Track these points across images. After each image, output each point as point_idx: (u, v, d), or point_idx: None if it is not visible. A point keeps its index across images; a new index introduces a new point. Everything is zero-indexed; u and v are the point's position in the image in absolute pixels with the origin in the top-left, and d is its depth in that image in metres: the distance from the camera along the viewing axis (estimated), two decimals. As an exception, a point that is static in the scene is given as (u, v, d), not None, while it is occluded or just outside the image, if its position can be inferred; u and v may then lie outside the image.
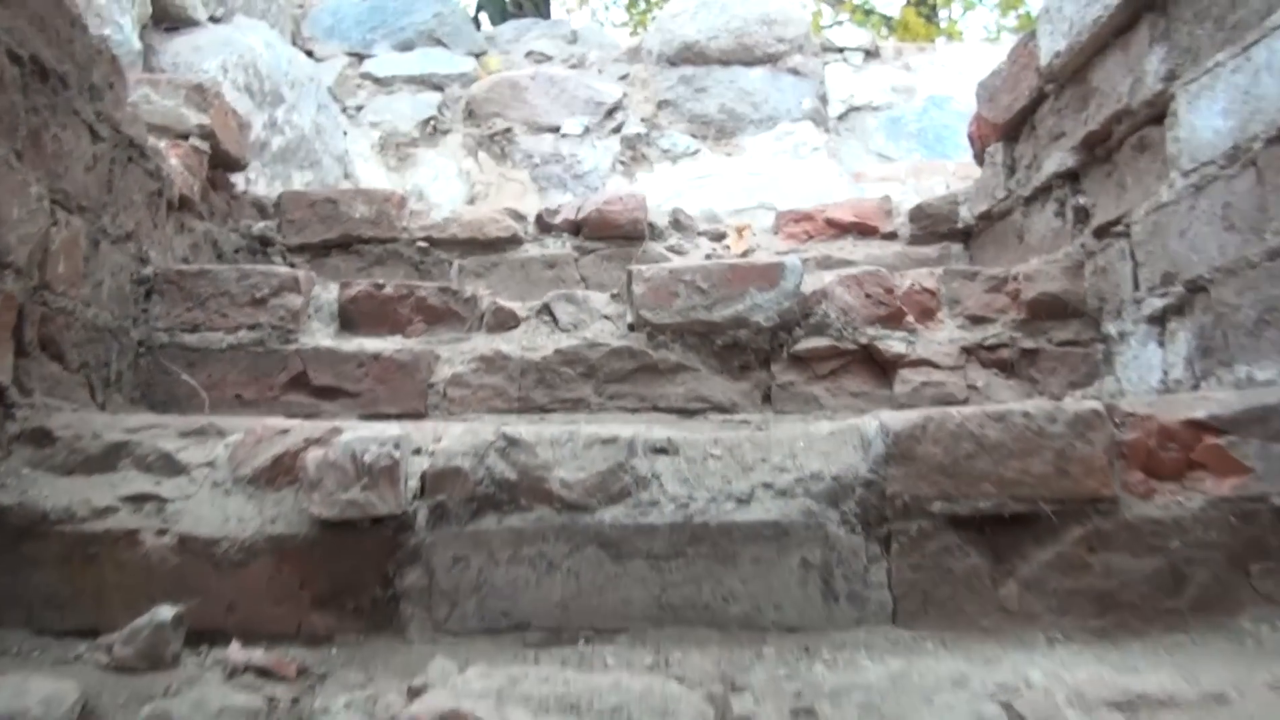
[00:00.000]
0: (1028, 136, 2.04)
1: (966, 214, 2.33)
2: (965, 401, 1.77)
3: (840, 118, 5.78)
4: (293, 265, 2.36)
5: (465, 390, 1.80)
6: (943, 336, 1.84)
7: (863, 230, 2.45)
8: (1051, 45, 1.85)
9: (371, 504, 1.24)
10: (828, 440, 1.31)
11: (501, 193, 5.40)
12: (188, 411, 1.79)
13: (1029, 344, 1.81)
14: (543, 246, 2.40)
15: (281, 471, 1.33)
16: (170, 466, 1.38)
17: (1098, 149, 1.78)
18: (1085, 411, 1.23)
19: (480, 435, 1.32)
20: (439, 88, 5.68)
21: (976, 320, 1.85)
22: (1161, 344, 1.59)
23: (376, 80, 5.69)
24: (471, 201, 5.35)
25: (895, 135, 5.74)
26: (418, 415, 1.80)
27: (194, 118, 2.16)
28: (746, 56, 5.62)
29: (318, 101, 4.86)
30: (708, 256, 2.41)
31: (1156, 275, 1.58)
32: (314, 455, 1.26)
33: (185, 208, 2.12)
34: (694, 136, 5.52)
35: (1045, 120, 1.95)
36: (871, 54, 5.89)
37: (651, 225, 2.42)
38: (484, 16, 8.59)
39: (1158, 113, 1.59)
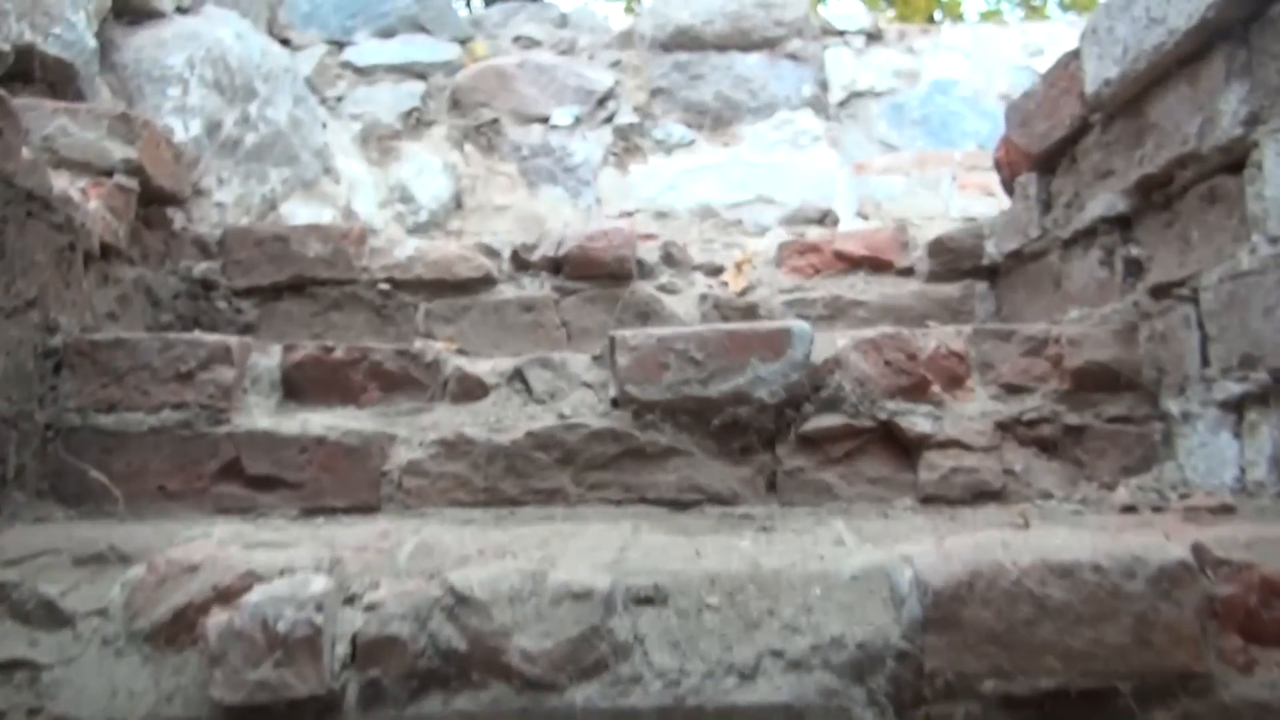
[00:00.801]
0: (1067, 170, 1.78)
1: (993, 250, 2.07)
2: (1002, 490, 1.53)
3: (841, 104, 5.52)
4: (239, 311, 2.11)
5: (423, 480, 1.56)
6: (974, 409, 1.60)
7: (876, 265, 2.20)
8: (1099, 70, 1.59)
9: (287, 685, 1.00)
10: (850, 589, 1.07)
11: (489, 187, 5.16)
12: (104, 505, 1.55)
13: (1074, 420, 1.57)
14: (519, 287, 2.15)
15: (184, 628, 1.09)
16: (53, 617, 1.14)
17: (1155, 194, 1.53)
18: (1171, 565, 0.99)
19: (425, 589, 1.08)
20: (422, 77, 5.41)
21: (1012, 390, 1.61)
22: (1238, 436, 1.35)
23: (357, 70, 5.43)
24: (458, 196, 5.12)
25: (898, 123, 5.49)
26: (369, 509, 1.56)
27: (119, 151, 1.90)
28: (743, 41, 5.36)
29: (294, 94, 4.60)
30: (703, 297, 2.16)
31: (1233, 356, 1.33)
32: (216, 621, 1.02)
33: (109, 256, 1.86)
34: (689, 126, 5.27)
35: (1089, 154, 1.69)
36: (874, 36, 5.61)
37: (640, 262, 2.17)
38: (475, -2, 8.27)
39: (1234, 160, 1.34)
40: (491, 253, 2.18)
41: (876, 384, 1.59)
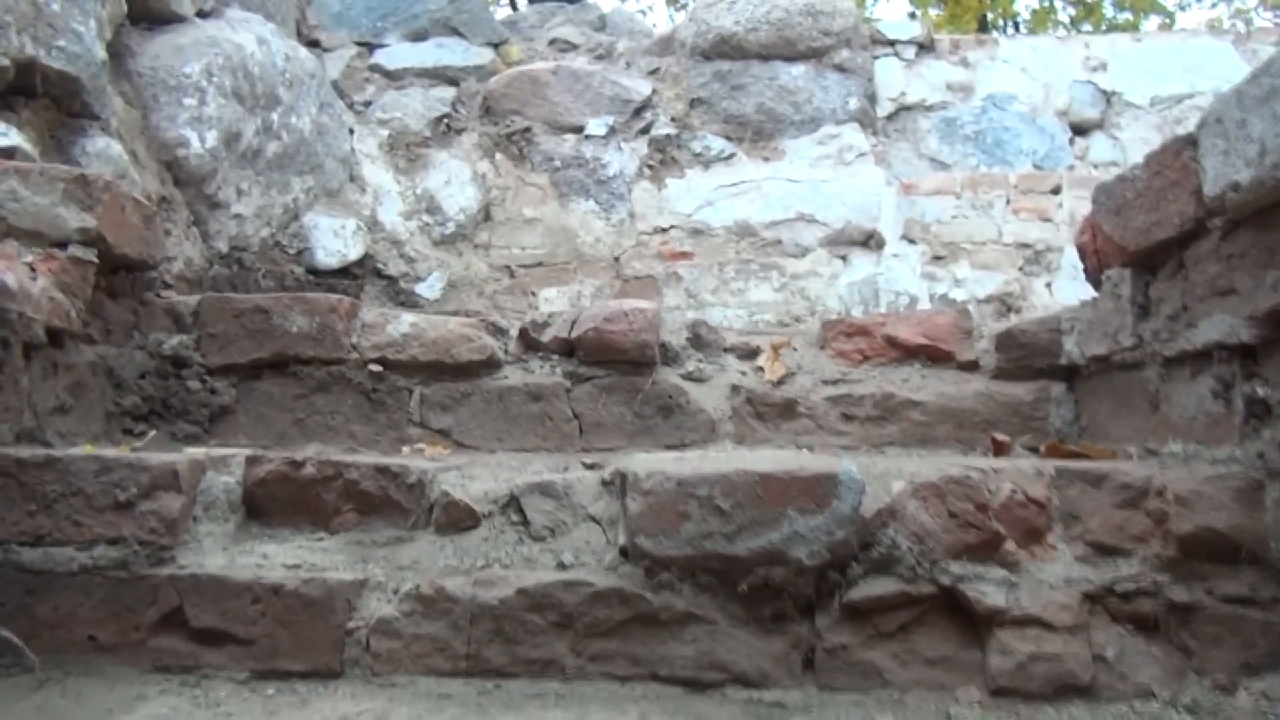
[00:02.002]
0: (1173, 274, 1.50)
1: (1074, 349, 1.79)
2: (1091, 683, 1.26)
3: (889, 118, 5.22)
4: (214, 391, 1.88)
5: (395, 642, 1.31)
6: (1056, 574, 1.32)
7: (934, 355, 1.92)
8: (1224, 170, 1.30)
9: None
10: None
11: (519, 198, 4.94)
12: (23, 659, 1.33)
13: (1181, 595, 1.29)
14: (527, 371, 1.90)
15: None
16: None
17: (1292, 327, 1.25)
18: None
19: None
20: (454, 82, 5.20)
21: (1104, 551, 1.33)
22: (1403, 658, 1.07)
23: (386, 73, 5.22)
24: (486, 208, 4.90)
25: (950, 138, 5.18)
26: (329, 675, 1.31)
27: (74, 220, 1.67)
28: (788, 51, 5.07)
29: (320, 100, 4.40)
30: (734, 388, 1.89)
31: (1403, 560, 1.05)
32: None
33: (60, 340, 1.64)
34: (728, 139, 5.01)
35: (1204, 264, 1.41)
36: (925, 47, 5.30)
37: (664, 346, 1.90)
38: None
39: None
40: (497, 331, 1.93)
41: (939, 540, 1.32)
